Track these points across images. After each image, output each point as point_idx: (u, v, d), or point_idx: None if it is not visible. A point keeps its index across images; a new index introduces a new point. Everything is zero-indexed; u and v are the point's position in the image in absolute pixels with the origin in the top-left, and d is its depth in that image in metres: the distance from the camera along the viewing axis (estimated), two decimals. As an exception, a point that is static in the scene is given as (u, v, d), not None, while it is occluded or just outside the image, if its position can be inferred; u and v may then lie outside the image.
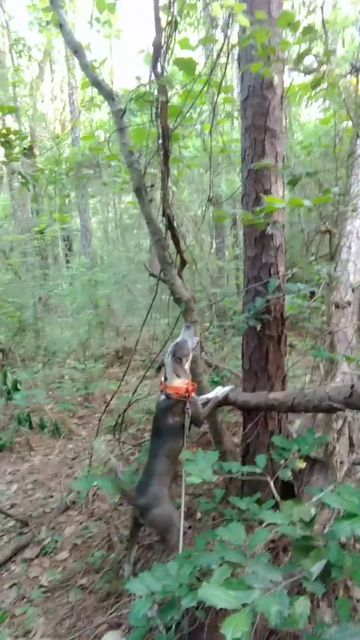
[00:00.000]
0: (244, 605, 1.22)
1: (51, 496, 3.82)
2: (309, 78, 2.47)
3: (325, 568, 1.38)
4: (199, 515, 3.04)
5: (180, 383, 2.49)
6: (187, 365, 2.58)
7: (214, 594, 1.24)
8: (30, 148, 4.76)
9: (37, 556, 3.05)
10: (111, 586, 2.57)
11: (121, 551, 2.86)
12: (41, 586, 2.75)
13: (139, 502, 2.32)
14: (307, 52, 2.23)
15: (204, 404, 2.71)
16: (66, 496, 3.70)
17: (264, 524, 1.82)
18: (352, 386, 1.87)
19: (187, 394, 2.46)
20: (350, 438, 2.79)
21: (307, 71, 2.30)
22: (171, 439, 2.44)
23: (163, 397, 2.51)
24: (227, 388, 2.88)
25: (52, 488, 3.96)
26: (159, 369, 2.70)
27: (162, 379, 2.57)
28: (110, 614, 2.36)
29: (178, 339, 2.62)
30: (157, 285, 3.32)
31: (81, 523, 3.33)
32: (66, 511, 3.55)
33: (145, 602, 1.55)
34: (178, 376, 2.50)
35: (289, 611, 1.23)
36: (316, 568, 1.36)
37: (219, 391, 2.84)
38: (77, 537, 3.16)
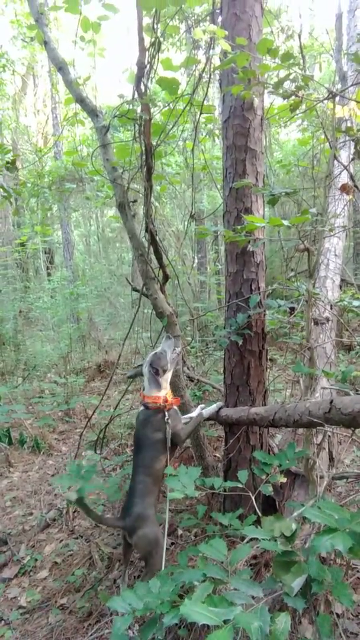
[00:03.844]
0: (225, 621, 1.22)
1: (31, 513, 3.75)
2: (288, 101, 2.55)
3: (306, 583, 1.39)
4: (180, 532, 3.03)
5: (158, 393, 2.42)
6: (167, 376, 2.49)
7: (196, 610, 1.24)
8: (13, 162, 4.76)
9: (16, 576, 2.99)
10: (92, 605, 2.53)
11: (102, 569, 2.82)
12: (20, 607, 2.68)
13: (125, 523, 2.24)
14: (286, 77, 2.31)
15: (186, 423, 2.62)
16: (46, 513, 3.63)
17: (245, 540, 1.83)
18: (331, 401, 1.90)
19: (165, 403, 2.39)
20: (330, 452, 2.83)
21: (286, 95, 2.38)
22: (152, 455, 2.35)
23: (142, 407, 2.45)
24: (213, 406, 2.84)
25: (31, 505, 3.89)
26: (131, 377, 2.61)
27: (142, 389, 2.50)
28: (91, 634, 2.32)
29: (157, 349, 2.53)
30: (140, 299, 3.33)
31: (61, 541, 3.28)
32: (46, 529, 3.49)
33: (126, 618, 1.52)
34: (156, 387, 2.43)
35: (270, 627, 1.24)
36: (297, 583, 1.37)
37: (203, 409, 2.78)
38: (57, 556, 3.10)
